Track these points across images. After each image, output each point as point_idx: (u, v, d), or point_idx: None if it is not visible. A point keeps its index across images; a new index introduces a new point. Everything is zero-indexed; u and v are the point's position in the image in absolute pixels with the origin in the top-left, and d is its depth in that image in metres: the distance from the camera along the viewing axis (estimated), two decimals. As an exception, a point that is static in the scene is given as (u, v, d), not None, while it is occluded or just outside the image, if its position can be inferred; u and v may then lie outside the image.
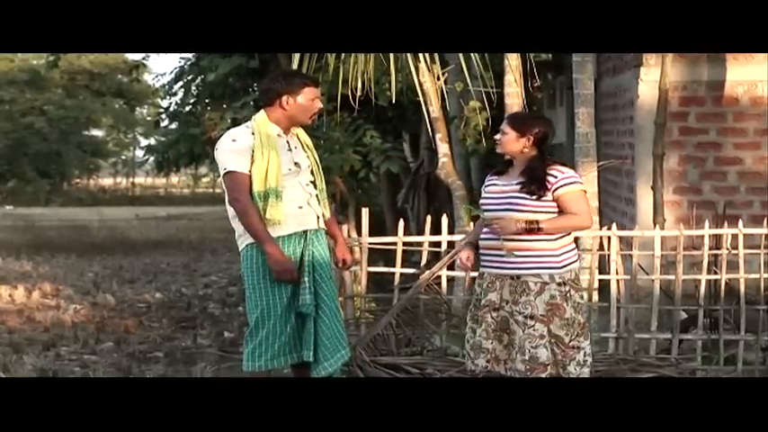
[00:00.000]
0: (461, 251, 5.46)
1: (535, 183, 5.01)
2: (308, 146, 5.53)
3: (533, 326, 4.99)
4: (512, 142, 5.12)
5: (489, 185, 5.23)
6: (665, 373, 6.35)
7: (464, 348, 5.38)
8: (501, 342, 5.11)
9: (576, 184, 5.07)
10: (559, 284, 5.02)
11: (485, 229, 5.16)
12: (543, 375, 4.97)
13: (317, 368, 5.33)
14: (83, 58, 38.30)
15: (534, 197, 5.00)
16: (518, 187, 5.05)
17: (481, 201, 5.27)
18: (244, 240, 5.32)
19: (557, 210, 5.04)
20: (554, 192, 5.01)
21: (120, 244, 18.26)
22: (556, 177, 5.02)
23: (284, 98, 5.32)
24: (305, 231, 5.34)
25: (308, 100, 5.36)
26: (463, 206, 8.92)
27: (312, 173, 5.49)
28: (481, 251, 5.21)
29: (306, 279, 5.27)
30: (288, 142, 5.39)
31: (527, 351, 4.99)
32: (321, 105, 5.48)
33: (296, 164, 5.35)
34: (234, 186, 5.26)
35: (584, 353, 5.10)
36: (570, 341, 5.03)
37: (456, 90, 9.36)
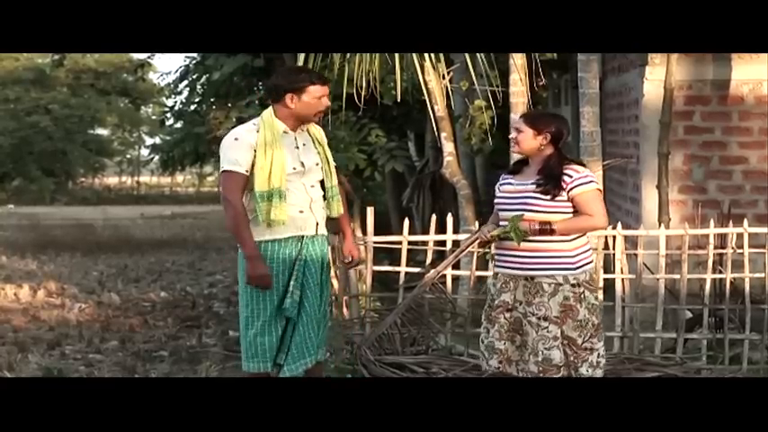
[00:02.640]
0: (483, 229, 5.37)
1: (551, 182, 4.98)
2: (319, 141, 5.48)
3: (547, 327, 4.97)
4: (528, 140, 5.08)
5: (504, 184, 5.20)
6: (670, 372, 6.35)
7: (479, 348, 5.35)
8: (513, 343, 5.09)
9: (592, 184, 5.03)
10: (573, 286, 4.99)
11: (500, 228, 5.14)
12: (556, 377, 4.95)
13: (281, 372, 5.25)
14: (88, 56, 38.28)
15: (549, 197, 4.97)
16: (533, 187, 5.02)
17: (496, 200, 5.24)
18: None
19: (572, 209, 5.00)
20: (569, 192, 4.97)
21: (125, 243, 18.26)
22: (571, 177, 4.99)
23: (289, 96, 5.25)
24: (302, 236, 5.30)
25: (313, 98, 5.28)
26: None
27: (323, 171, 5.45)
28: (496, 251, 5.19)
29: (292, 284, 5.22)
30: (295, 139, 5.34)
31: (540, 352, 4.97)
32: (328, 103, 5.38)
33: (301, 163, 5.32)
34: (227, 185, 5.22)
35: (598, 354, 5.08)
36: (583, 343, 5.01)
37: (461, 89, 9.36)
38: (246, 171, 5.18)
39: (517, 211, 5.01)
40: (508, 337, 5.10)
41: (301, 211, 5.28)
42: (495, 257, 5.21)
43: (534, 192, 5.00)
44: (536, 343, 4.98)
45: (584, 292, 5.02)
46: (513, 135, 5.18)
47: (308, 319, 5.29)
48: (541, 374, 4.96)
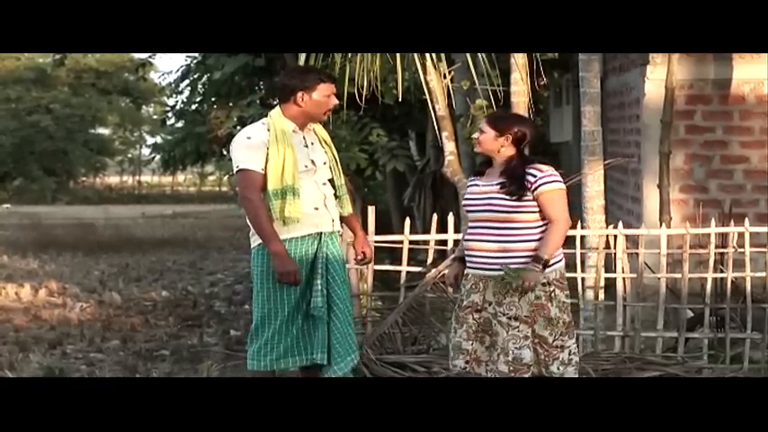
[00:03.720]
0: (450, 268, 5.43)
1: (515, 183, 4.98)
2: (325, 141, 5.51)
3: (517, 327, 4.97)
4: (490, 141, 5.10)
5: (471, 186, 5.23)
6: (672, 371, 6.35)
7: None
8: (483, 344, 5.10)
9: (556, 184, 5.03)
10: (544, 284, 4.99)
11: (469, 230, 5.15)
12: (526, 376, 4.96)
13: (329, 371, 5.31)
14: (89, 56, 38.30)
15: (514, 197, 4.98)
16: (497, 187, 5.03)
17: (464, 202, 5.26)
18: (256, 239, 5.30)
19: (536, 208, 5.00)
20: (534, 191, 4.98)
21: (127, 242, 18.26)
22: (535, 176, 4.99)
23: (299, 94, 5.30)
24: (319, 233, 5.33)
25: (323, 96, 5.33)
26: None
27: (330, 169, 5.48)
28: (466, 252, 5.18)
29: (318, 282, 5.25)
30: (304, 138, 5.37)
31: (511, 352, 4.97)
32: (336, 102, 5.44)
33: (312, 161, 5.34)
34: (245, 184, 5.24)
35: (569, 351, 5.08)
36: (554, 341, 5.02)
37: (462, 88, 9.35)
38: (262, 169, 5.20)
39: (483, 213, 5.03)
40: (477, 337, 5.10)
41: (316, 208, 5.31)
42: (466, 258, 5.19)
43: (498, 192, 5.01)
44: (506, 343, 4.98)
45: (554, 290, 5.02)
46: (476, 135, 5.20)
47: (344, 316, 5.35)
48: (512, 374, 4.96)
